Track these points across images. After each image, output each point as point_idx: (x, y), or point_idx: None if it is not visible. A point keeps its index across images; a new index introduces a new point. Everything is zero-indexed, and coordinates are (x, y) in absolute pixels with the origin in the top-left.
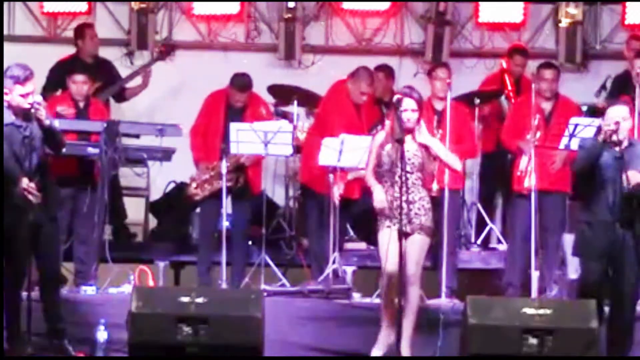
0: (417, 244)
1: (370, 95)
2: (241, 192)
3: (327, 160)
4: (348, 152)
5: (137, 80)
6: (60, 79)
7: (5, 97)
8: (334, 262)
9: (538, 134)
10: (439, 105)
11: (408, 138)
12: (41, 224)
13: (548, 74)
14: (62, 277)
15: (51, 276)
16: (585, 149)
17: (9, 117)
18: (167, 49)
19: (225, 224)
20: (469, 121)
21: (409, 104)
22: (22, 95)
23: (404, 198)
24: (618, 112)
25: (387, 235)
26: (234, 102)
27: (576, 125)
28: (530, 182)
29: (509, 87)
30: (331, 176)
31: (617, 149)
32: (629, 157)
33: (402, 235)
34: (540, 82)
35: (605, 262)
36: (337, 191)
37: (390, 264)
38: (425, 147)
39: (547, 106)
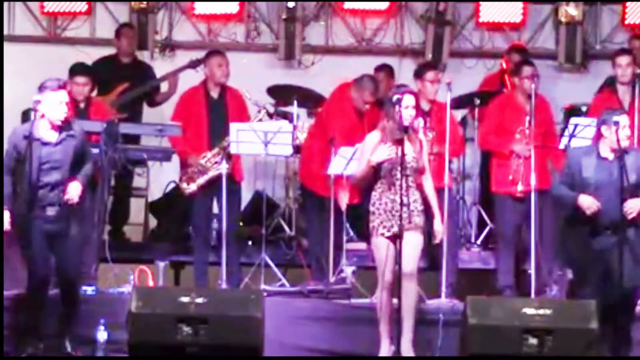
0: (414, 242)
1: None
2: (228, 183)
3: (336, 169)
4: (355, 160)
5: (165, 86)
6: (96, 76)
7: (42, 108)
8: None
9: (527, 133)
10: (425, 107)
11: (403, 137)
12: (57, 235)
13: (528, 70)
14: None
15: (64, 287)
16: (560, 196)
17: (37, 131)
18: (201, 60)
19: (219, 224)
20: (454, 121)
21: (410, 100)
22: (58, 103)
23: (404, 199)
24: (626, 120)
25: (381, 244)
26: (220, 77)
27: (576, 125)
28: (523, 185)
29: (509, 88)
30: (331, 178)
31: (609, 156)
32: (620, 166)
33: (399, 237)
34: (524, 80)
35: (600, 268)
36: (344, 198)
37: (388, 274)
38: (420, 144)
39: (526, 104)
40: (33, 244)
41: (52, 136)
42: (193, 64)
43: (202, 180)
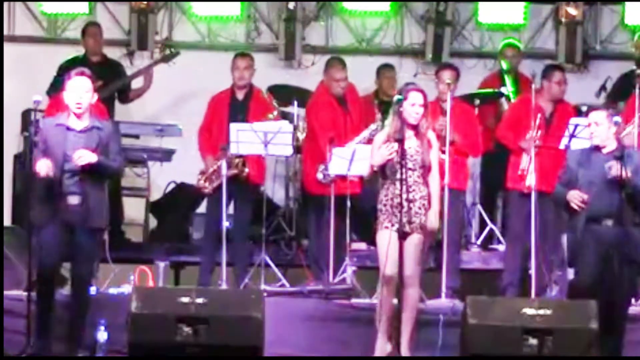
0: (415, 245)
1: (356, 91)
2: (243, 184)
3: (337, 170)
4: (358, 161)
5: (139, 82)
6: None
7: (64, 96)
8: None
9: (539, 133)
10: (445, 106)
11: (410, 134)
12: (77, 227)
13: (558, 76)
14: (62, 277)
15: (76, 287)
16: (556, 195)
17: (64, 119)
18: (173, 53)
19: (225, 224)
20: (473, 120)
21: (418, 97)
22: (74, 89)
23: (404, 196)
24: (593, 117)
25: (385, 236)
26: (237, 80)
27: (576, 126)
28: (531, 181)
29: (509, 88)
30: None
31: (603, 151)
32: (619, 162)
33: (402, 235)
34: (552, 84)
35: (599, 264)
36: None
37: (388, 268)
38: (428, 142)
39: (548, 107)
40: (47, 234)
41: (78, 125)
42: (165, 59)
43: (215, 183)
